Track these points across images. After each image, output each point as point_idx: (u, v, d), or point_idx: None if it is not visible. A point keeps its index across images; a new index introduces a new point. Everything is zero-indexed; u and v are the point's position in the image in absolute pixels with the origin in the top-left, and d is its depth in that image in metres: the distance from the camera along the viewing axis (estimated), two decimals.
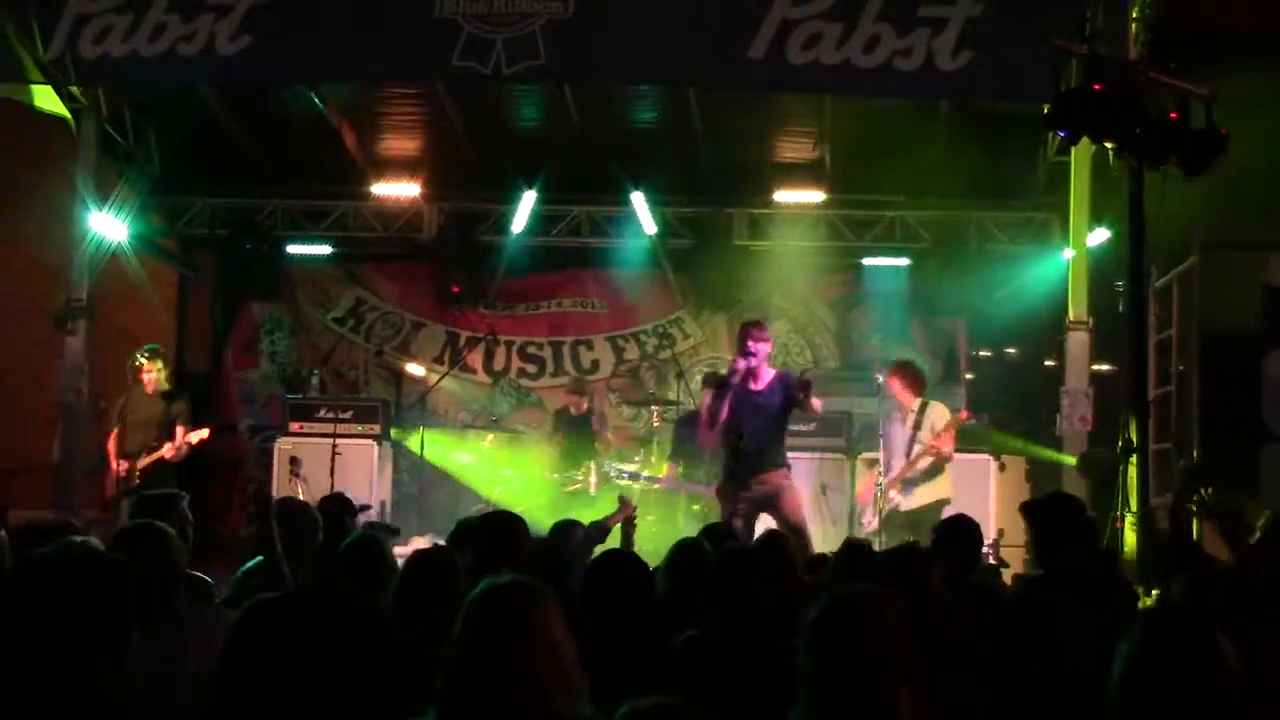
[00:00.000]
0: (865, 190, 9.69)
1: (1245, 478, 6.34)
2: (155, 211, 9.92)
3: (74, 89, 8.21)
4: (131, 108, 9.09)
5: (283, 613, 2.02)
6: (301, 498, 6.25)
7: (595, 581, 3.25)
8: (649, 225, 9.61)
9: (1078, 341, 7.71)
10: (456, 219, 10.03)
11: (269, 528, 3.80)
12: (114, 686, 2.09)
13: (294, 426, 9.18)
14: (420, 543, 7.49)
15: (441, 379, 10.04)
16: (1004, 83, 7.09)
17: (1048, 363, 9.28)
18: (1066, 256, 8.11)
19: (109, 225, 8.74)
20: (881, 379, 7.82)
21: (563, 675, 2.08)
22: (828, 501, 8.48)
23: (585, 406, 9.52)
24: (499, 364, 10.64)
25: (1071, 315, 7.77)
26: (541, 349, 10.68)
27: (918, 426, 7.24)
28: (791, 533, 6.26)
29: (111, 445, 7.78)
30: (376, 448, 9.07)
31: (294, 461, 8.83)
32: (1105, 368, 8.34)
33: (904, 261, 9.85)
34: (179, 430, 7.72)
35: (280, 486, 8.79)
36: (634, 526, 5.04)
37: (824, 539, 7.37)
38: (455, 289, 10.20)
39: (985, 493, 8.04)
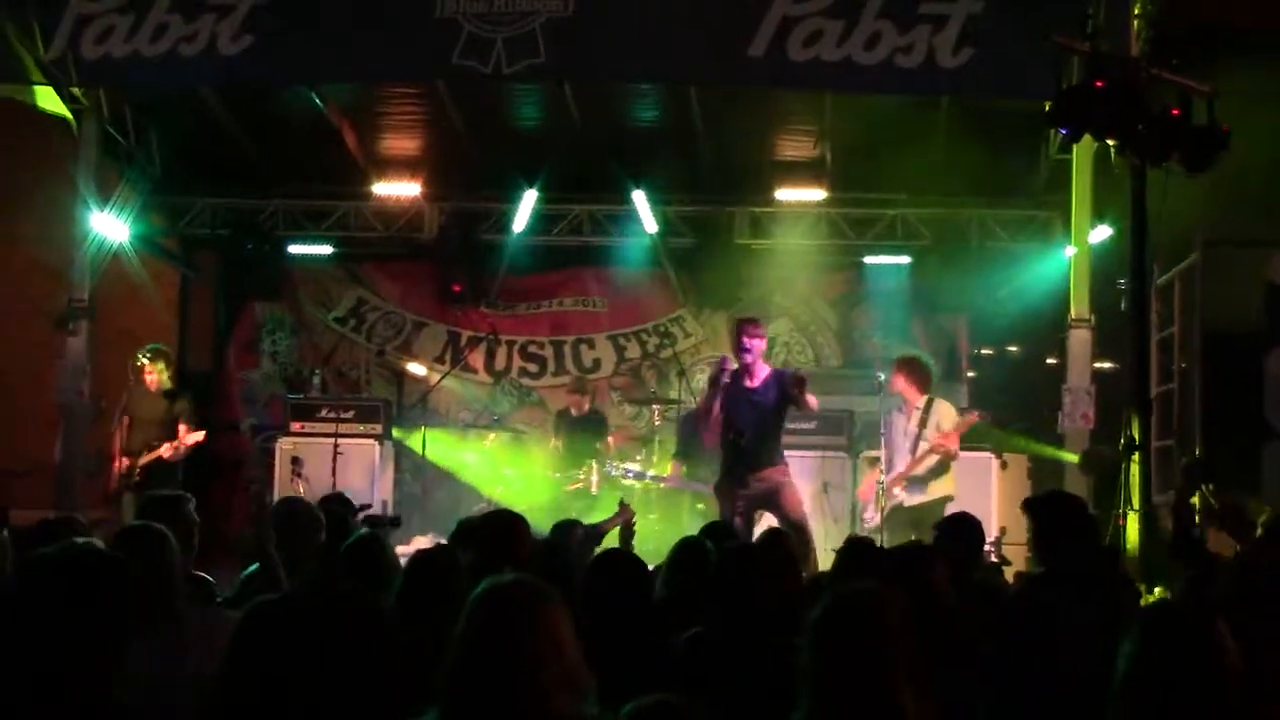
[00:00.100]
0: (866, 188, 9.68)
1: (1247, 475, 6.34)
2: (156, 212, 9.93)
3: (75, 89, 8.20)
4: (133, 108, 9.09)
5: (284, 614, 2.02)
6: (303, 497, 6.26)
7: (594, 581, 3.25)
8: (650, 224, 9.61)
9: (1079, 339, 7.70)
10: (457, 218, 10.03)
11: (266, 534, 3.80)
12: (115, 686, 2.09)
13: (296, 426, 9.19)
14: (422, 542, 7.50)
15: (443, 379, 10.05)
16: (1005, 80, 7.08)
17: (1049, 360, 9.28)
18: (1068, 254, 8.10)
19: (110, 226, 8.74)
20: (884, 377, 7.81)
21: (567, 674, 2.08)
22: (829, 500, 8.47)
23: (586, 406, 9.52)
24: (500, 363, 10.64)
25: (1073, 313, 7.76)
26: (543, 348, 10.68)
27: (923, 424, 7.21)
28: (793, 530, 6.24)
29: (116, 442, 7.80)
30: (378, 447, 9.07)
31: (296, 461, 8.85)
32: (1107, 365, 8.33)
33: (905, 260, 9.84)
34: (181, 429, 7.73)
35: (282, 486, 8.82)
36: (633, 531, 5.02)
37: (826, 537, 7.37)
38: (456, 288, 10.20)
39: (987, 491, 8.03)
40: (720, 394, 6.46)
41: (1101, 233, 8.10)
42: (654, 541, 8.02)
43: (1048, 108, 5.70)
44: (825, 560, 5.37)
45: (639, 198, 9.44)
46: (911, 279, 9.87)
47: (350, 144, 9.75)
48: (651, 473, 8.78)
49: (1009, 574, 6.48)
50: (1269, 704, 2.28)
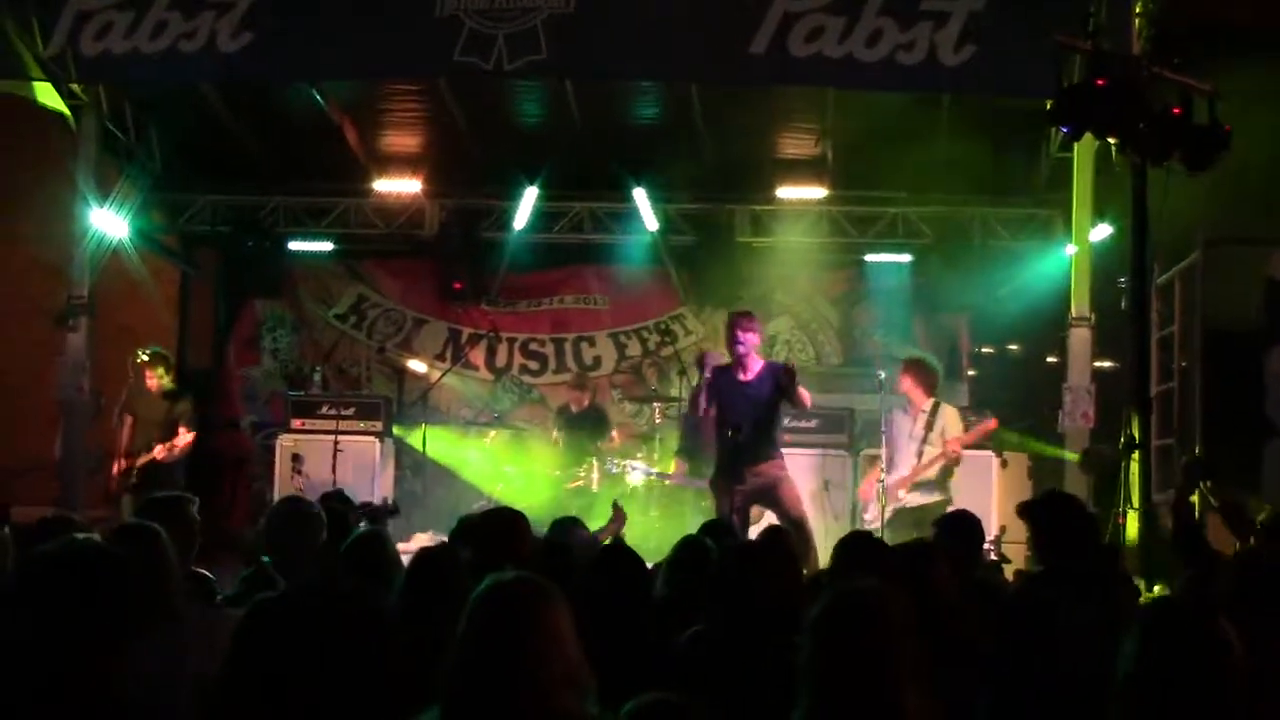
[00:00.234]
0: (867, 186, 9.68)
1: (1248, 473, 6.33)
2: (156, 208, 9.92)
3: (74, 86, 8.19)
4: (133, 104, 9.08)
5: (285, 613, 2.02)
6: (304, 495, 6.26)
7: (594, 579, 3.25)
8: (651, 221, 9.60)
9: (1080, 338, 7.69)
10: (458, 215, 10.03)
11: (258, 541, 3.79)
12: (115, 685, 2.09)
13: (296, 423, 9.19)
14: (423, 539, 7.51)
15: (443, 376, 10.05)
16: (1007, 78, 7.07)
17: (1050, 359, 9.27)
18: (1069, 252, 8.09)
19: (110, 222, 8.73)
20: (884, 375, 7.80)
21: (569, 673, 2.08)
22: (830, 498, 8.47)
23: (586, 402, 9.52)
24: (501, 361, 10.64)
25: (1074, 311, 7.75)
26: (543, 345, 10.68)
27: (929, 428, 7.21)
28: (792, 526, 6.24)
29: (120, 441, 7.81)
30: (379, 444, 9.08)
31: (296, 458, 8.85)
32: (1107, 364, 8.33)
33: (906, 258, 9.84)
34: (181, 430, 7.74)
35: (282, 483, 8.83)
36: (622, 538, 5.03)
37: (826, 535, 7.36)
38: (457, 286, 10.20)
39: (987, 489, 8.04)
40: (706, 388, 6.44)
41: (1102, 231, 8.10)
42: (655, 539, 8.03)
43: (1049, 106, 5.69)
44: (826, 558, 5.36)
45: (640, 195, 9.44)
46: (912, 277, 9.87)
47: (351, 141, 9.74)
48: (656, 470, 8.78)
49: (1008, 572, 6.48)
50: (1271, 701, 2.28)
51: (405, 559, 3.74)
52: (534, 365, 10.67)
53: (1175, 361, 7.62)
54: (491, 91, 9.11)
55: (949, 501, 7.07)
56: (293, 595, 2.10)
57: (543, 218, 9.89)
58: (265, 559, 4.03)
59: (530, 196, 9.57)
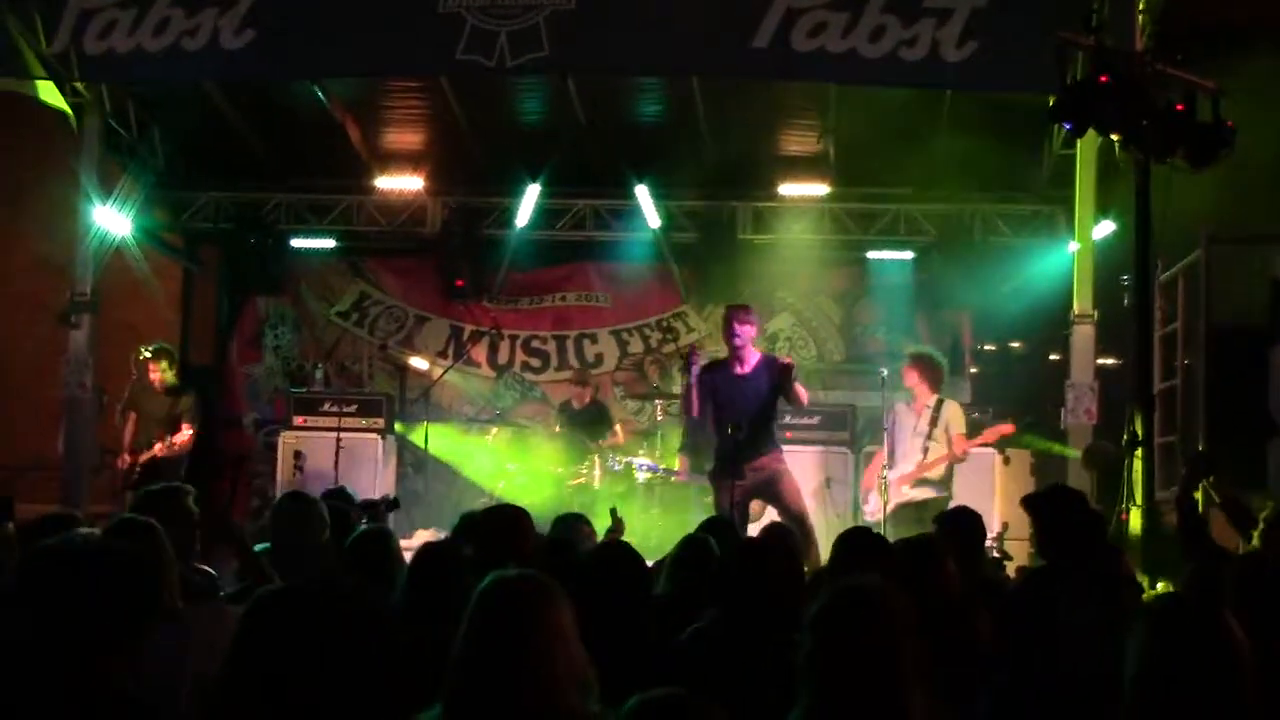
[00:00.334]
0: (870, 183, 9.67)
1: (1252, 471, 6.32)
2: (159, 206, 9.93)
3: (78, 84, 8.20)
4: (135, 102, 9.09)
5: (284, 612, 2.02)
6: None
7: (593, 576, 3.24)
8: (653, 219, 9.60)
9: (1083, 335, 7.69)
10: (460, 213, 10.03)
11: (253, 561, 3.77)
12: (116, 683, 2.08)
13: (298, 420, 9.20)
14: (424, 536, 7.51)
15: (445, 373, 10.05)
16: (1009, 74, 7.06)
17: (1053, 356, 9.26)
18: (1071, 250, 8.08)
19: (113, 220, 8.74)
20: (886, 372, 7.78)
21: (571, 670, 2.07)
22: (832, 495, 8.47)
23: (588, 398, 9.52)
24: (503, 358, 10.65)
25: (1076, 309, 7.75)
26: (545, 343, 10.68)
27: (933, 424, 7.20)
28: (793, 521, 6.24)
29: (125, 438, 7.83)
30: (381, 442, 9.08)
31: (298, 455, 8.86)
32: (1110, 361, 8.32)
33: (909, 255, 9.83)
34: (183, 426, 7.75)
35: (284, 480, 8.84)
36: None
37: (828, 532, 7.36)
38: (459, 283, 10.20)
39: (989, 486, 8.03)
40: (695, 384, 6.43)
41: (1105, 228, 8.09)
42: (657, 536, 8.04)
43: (1052, 103, 5.68)
44: (828, 554, 5.36)
45: (642, 193, 9.43)
46: (915, 274, 9.86)
47: (353, 138, 9.74)
48: (663, 467, 8.79)
49: (1010, 569, 6.48)
50: (1278, 698, 2.27)
51: (407, 556, 3.75)
52: (536, 362, 10.67)
53: (1178, 359, 7.61)
54: (494, 89, 9.11)
55: (949, 498, 7.06)
56: (293, 594, 2.10)
57: (545, 215, 9.88)
58: (258, 547, 4.03)
59: (532, 194, 9.57)
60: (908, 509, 7.13)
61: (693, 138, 9.35)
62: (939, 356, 7.59)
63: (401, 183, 10.04)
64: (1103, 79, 5.16)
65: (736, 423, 6.37)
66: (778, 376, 6.35)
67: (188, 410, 7.79)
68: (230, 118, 9.47)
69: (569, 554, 3.70)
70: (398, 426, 9.44)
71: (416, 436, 9.42)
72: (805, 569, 3.71)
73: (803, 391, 6.49)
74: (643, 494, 8.78)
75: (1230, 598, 2.92)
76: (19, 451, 9.19)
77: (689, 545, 3.83)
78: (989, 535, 6.49)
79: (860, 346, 10.32)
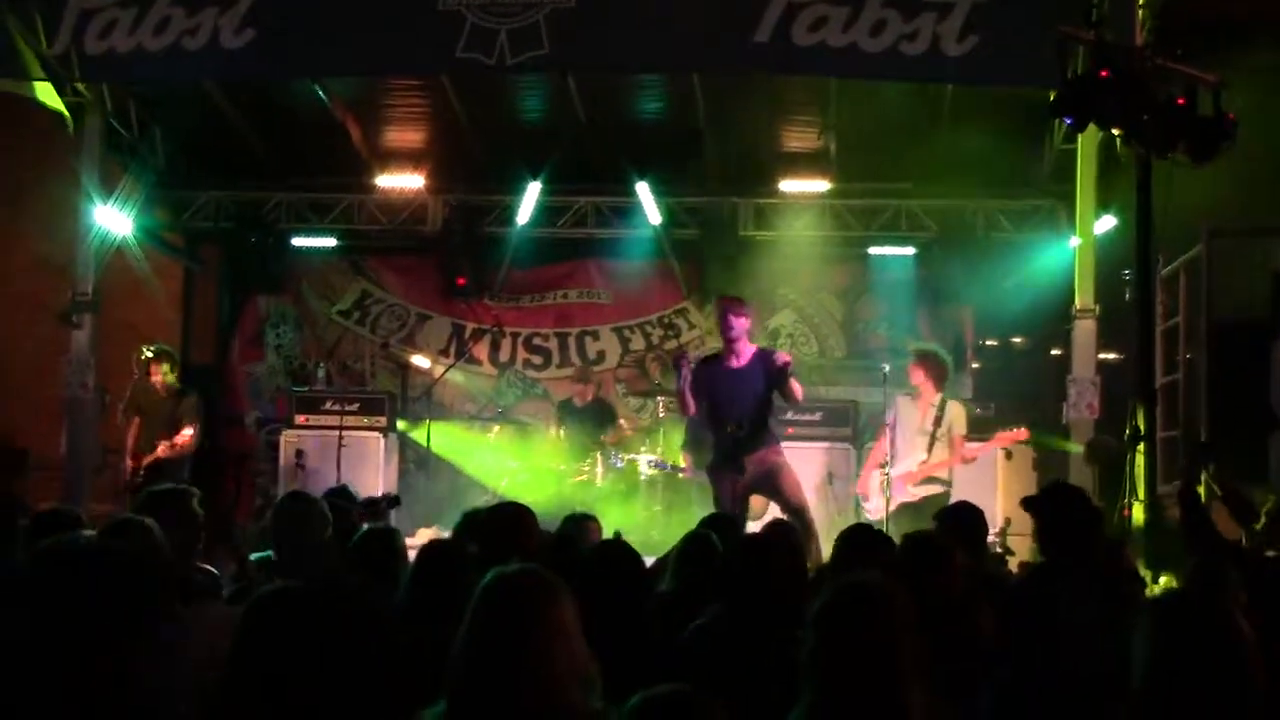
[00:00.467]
0: (871, 179, 9.66)
1: (1253, 465, 6.32)
2: (160, 205, 9.93)
3: (79, 84, 8.19)
4: (136, 101, 9.09)
5: (285, 612, 2.02)
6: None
7: (593, 572, 3.24)
8: (654, 216, 9.59)
9: (1084, 330, 7.68)
10: (461, 211, 10.03)
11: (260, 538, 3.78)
12: (116, 685, 2.08)
13: (300, 419, 9.20)
14: (427, 534, 7.51)
15: (447, 371, 10.06)
16: (1010, 69, 7.05)
17: (1054, 351, 9.26)
18: (1073, 245, 8.08)
19: (114, 220, 8.74)
20: (888, 368, 7.78)
21: (574, 666, 2.07)
22: (833, 491, 8.46)
23: (590, 396, 9.52)
24: (505, 355, 10.65)
25: (1078, 304, 7.74)
26: (547, 340, 10.68)
27: (937, 423, 7.20)
28: (793, 515, 6.23)
29: (128, 440, 7.83)
30: (382, 440, 9.08)
31: (300, 454, 8.87)
32: (1112, 356, 8.32)
33: (910, 251, 9.82)
34: (184, 427, 7.74)
35: (287, 479, 8.84)
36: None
37: (830, 528, 7.35)
38: (460, 281, 10.20)
39: (992, 481, 8.03)
40: (686, 384, 6.42)
41: (1106, 223, 8.08)
42: (659, 532, 8.04)
43: (1053, 97, 5.68)
44: (830, 552, 5.36)
45: (643, 190, 9.42)
46: (916, 270, 9.84)
47: (354, 137, 9.74)
48: (670, 463, 8.79)
49: (1012, 564, 6.48)
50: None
51: (409, 554, 3.75)
52: (537, 360, 10.68)
53: (1180, 353, 7.60)
54: (494, 87, 9.11)
55: (948, 494, 7.06)
56: (293, 594, 2.09)
57: (546, 213, 9.88)
58: (254, 556, 4.04)
59: (533, 191, 9.56)
60: (907, 506, 7.13)
61: (693, 134, 9.34)
62: (944, 354, 7.59)
63: (402, 181, 10.03)
64: (1103, 73, 5.15)
65: (737, 421, 6.36)
66: (773, 370, 6.35)
67: (188, 412, 7.78)
68: (231, 117, 9.47)
69: (572, 551, 3.70)
70: (400, 425, 9.44)
71: (418, 435, 9.42)
72: (808, 563, 3.71)
73: (798, 388, 6.47)
74: (645, 491, 8.79)
75: (1241, 598, 2.92)
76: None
77: (692, 542, 3.83)
78: (991, 531, 6.50)
79: (862, 343, 10.32)
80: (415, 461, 9.80)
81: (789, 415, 8.44)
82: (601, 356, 10.60)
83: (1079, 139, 7.50)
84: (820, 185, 9.72)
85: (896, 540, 4.13)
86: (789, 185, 9.79)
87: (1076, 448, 7.53)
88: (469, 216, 10.01)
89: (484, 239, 10.10)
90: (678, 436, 9.05)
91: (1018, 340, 10.06)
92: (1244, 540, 4.36)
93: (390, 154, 10.05)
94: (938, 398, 7.28)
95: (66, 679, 2.04)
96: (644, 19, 7.49)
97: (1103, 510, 4.37)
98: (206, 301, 10.85)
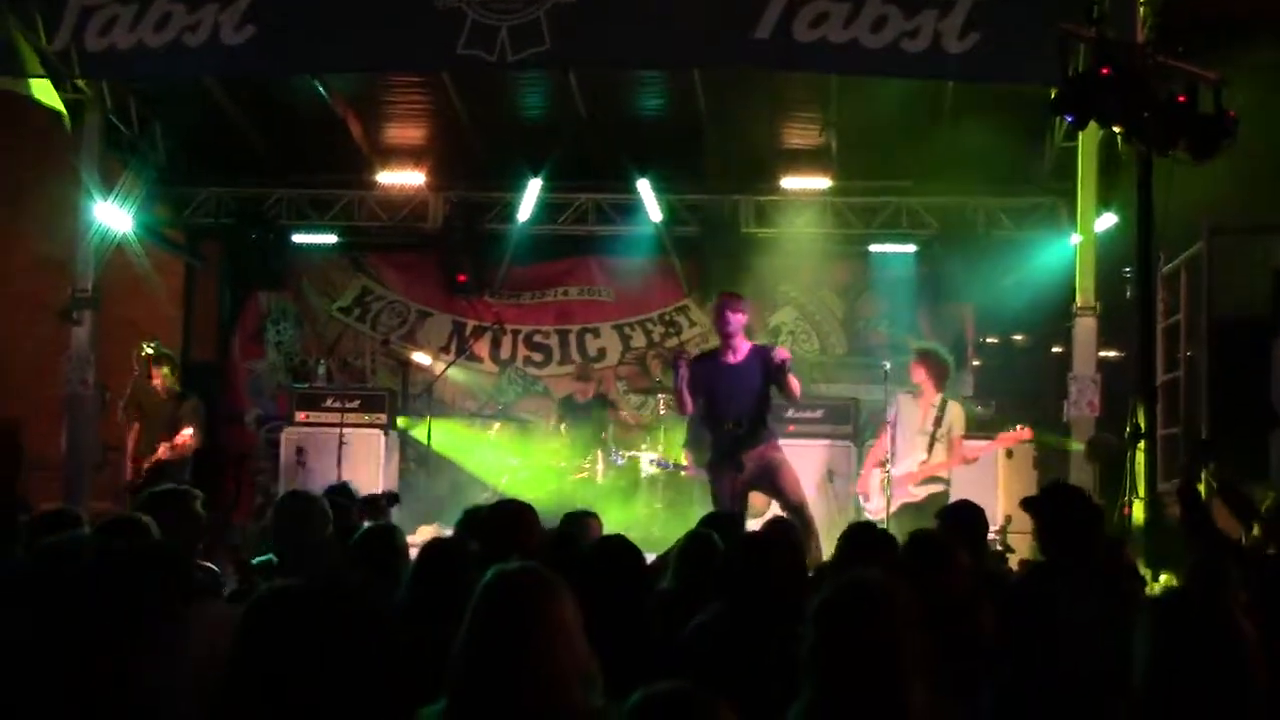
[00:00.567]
0: (872, 177, 9.65)
1: (1254, 462, 6.32)
2: (160, 202, 9.93)
3: (79, 81, 8.18)
4: (136, 98, 9.09)
5: (285, 612, 2.02)
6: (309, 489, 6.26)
7: (593, 569, 3.24)
8: (655, 213, 9.59)
9: (1085, 327, 7.68)
10: (462, 208, 10.02)
11: (260, 539, 3.78)
12: (117, 683, 2.08)
13: (300, 417, 9.18)
14: (428, 532, 7.51)
15: (448, 368, 10.05)
16: (1011, 66, 7.05)
17: (1055, 349, 9.26)
18: (1074, 242, 8.07)
19: (114, 216, 8.73)
20: (889, 366, 7.78)
21: (575, 664, 2.07)
22: (834, 488, 8.46)
23: (591, 393, 9.52)
24: (505, 353, 10.65)
25: (1079, 301, 7.73)
26: (548, 337, 10.68)
27: (938, 423, 7.21)
28: (792, 512, 6.23)
29: (130, 445, 7.81)
30: (383, 437, 9.08)
31: (300, 452, 8.86)
32: (1113, 354, 8.32)
33: (911, 248, 9.82)
34: (183, 428, 7.71)
35: (287, 477, 8.84)
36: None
37: (831, 526, 7.36)
38: (461, 278, 10.20)
39: (992, 479, 8.03)
40: (684, 383, 6.43)
41: (1107, 220, 8.07)
42: (660, 529, 8.05)
43: (1053, 94, 5.67)
44: (830, 549, 5.36)
45: (644, 187, 9.42)
46: (917, 267, 9.84)
47: (355, 133, 9.74)
48: (671, 461, 8.79)
49: (1013, 562, 6.48)
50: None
51: (410, 552, 3.75)
52: (538, 357, 10.68)
53: (1181, 351, 7.60)
54: (495, 83, 9.10)
55: (947, 493, 7.06)
56: (293, 594, 2.09)
57: (546, 210, 9.88)
58: (256, 560, 4.04)
59: (534, 188, 9.56)
60: (911, 507, 7.13)
61: (694, 131, 9.34)
62: (945, 354, 7.59)
63: (403, 178, 10.03)
64: (1104, 71, 5.15)
65: (735, 418, 6.37)
66: (771, 366, 6.35)
67: (189, 415, 7.75)
68: (231, 113, 9.46)
69: (571, 548, 3.70)
70: (400, 422, 9.44)
71: (419, 432, 9.42)
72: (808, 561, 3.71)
73: (796, 384, 6.48)
74: (646, 488, 8.79)
75: (1242, 596, 2.92)
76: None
77: (693, 541, 3.82)
78: (991, 528, 6.50)
79: (863, 340, 10.32)
80: (416, 459, 9.80)
81: (790, 413, 8.44)
82: (602, 354, 10.60)
83: (1080, 136, 7.50)
84: (821, 182, 9.72)
85: (898, 539, 4.13)
86: (790, 182, 9.79)
87: (1077, 445, 7.53)
88: (470, 213, 10.00)
89: (485, 236, 10.10)
90: (679, 434, 9.05)
91: (1018, 338, 10.06)
92: (1244, 539, 4.36)
93: (391, 150, 10.05)
94: (938, 397, 7.28)
95: (67, 678, 2.04)
96: (645, 15, 7.49)
97: (1103, 508, 4.37)
98: (207, 298, 10.84)
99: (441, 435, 9.42)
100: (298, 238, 10.28)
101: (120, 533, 2.91)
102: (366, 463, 8.85)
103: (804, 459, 7.90)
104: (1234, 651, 2.05)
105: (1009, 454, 8.28)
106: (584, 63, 8.15)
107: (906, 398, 7.41)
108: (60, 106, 8.12)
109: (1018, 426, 7.46)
